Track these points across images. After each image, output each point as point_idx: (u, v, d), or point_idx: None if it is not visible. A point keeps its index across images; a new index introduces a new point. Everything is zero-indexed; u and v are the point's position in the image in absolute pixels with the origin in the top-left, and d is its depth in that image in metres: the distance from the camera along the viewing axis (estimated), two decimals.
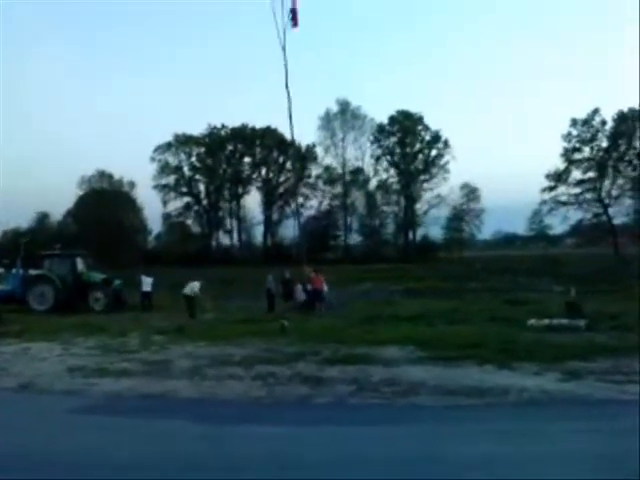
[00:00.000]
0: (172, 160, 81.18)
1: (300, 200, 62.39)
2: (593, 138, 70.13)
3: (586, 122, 69.84)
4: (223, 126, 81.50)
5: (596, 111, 69.35)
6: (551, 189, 69.57)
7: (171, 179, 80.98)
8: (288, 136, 71.64)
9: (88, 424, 8.50)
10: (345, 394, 9.78)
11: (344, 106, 78.61)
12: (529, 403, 9.03)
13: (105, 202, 72.34)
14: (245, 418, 8.78)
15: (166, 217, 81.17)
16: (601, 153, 70.07)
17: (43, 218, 76.20)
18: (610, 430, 7.55)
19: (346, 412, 9.00)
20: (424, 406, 9.11)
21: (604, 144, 70.13)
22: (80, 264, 28.73)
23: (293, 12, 21.74)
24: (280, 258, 54.98)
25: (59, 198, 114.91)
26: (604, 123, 69.80)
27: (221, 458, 6.86)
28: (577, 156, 70.31)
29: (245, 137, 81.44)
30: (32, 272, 27.54)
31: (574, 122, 69.90)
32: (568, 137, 70.02)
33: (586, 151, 70.17)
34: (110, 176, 79.37)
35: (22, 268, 27.71)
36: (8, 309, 24.44)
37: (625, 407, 8.63)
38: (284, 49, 22.79)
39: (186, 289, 23.89)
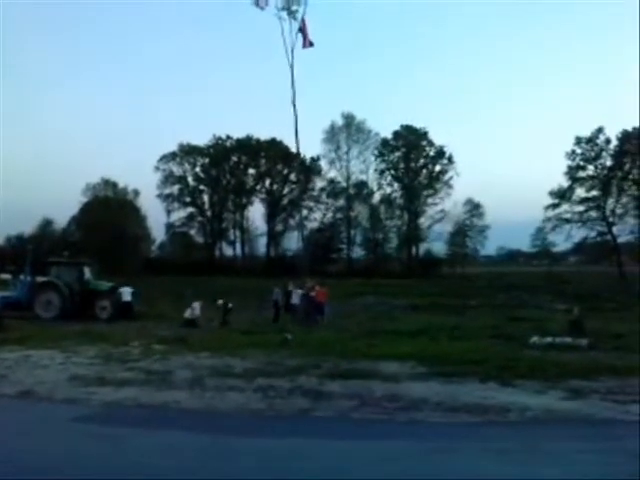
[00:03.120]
0: (176, 170, 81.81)
1: (304, 212, 62.38)
2: (597, 156, 70.24)
3: (590, 140, 69.97)
4: (228, 137, 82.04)
5: (600, 130, 69.57)
6: (555, 206, 69.61)
7: (175, 189, 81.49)
8: (293, 148, 72.17)
9: (88, 433, 8.45)
10: (347, 408, 9.72)
11: (349, 120, 79.09)
12: (531, 421, 8.97)
13: (109, 210, 72.65)
14: (245, 430, 8.74)
15: (169, 227, 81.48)
16: (605, 171, 70.17)
17: (47, 225, 76.49)
18: (614, 451, 7.48)
19: (348, 426, 8.94)
20: (426, 422, 9.06)
21: (608, 162, 70.28)
22: (87, 272, 28.78)
23: (302, 32, 21.92)
24: (283, 270, 54.96)
25: (63, 205, 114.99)
26: (608, 142, 70.01)
27: (220, 470, 6.81)
28: (581, 174, 70.43)
29: (250, 148, 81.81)
30: (39, 279, 27.52)
31: (578, 140, 70.06)
32: (572, 155, 70.23)
33: (590, 169, 70.34)
34: (114, 184, 79.81)
35: (30, 275, 27.69)
36: (14, 316, 24.43)
37: (629, 427, 8.56)
38: (292, 67, 22.99)
39: (187, 313, 24.10)
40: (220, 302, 24.73)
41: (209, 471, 6.76)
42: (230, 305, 24.62)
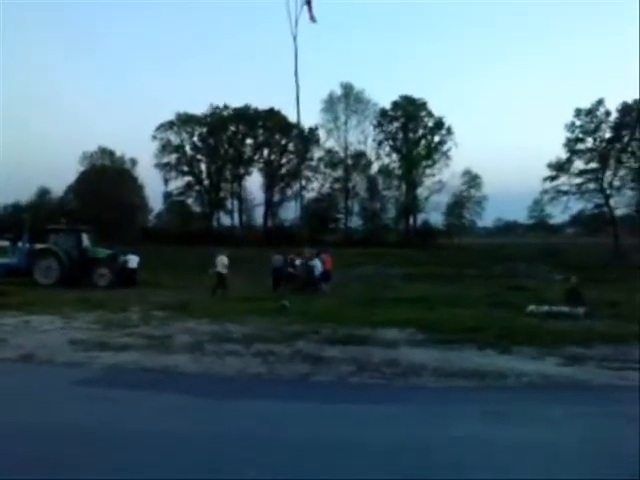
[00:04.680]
0: (174, 139, 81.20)
1: (301, 182, 62.06)
2: (596, 129, 69.71)
3: (590, 112, 69.40)
4: (226, 106, 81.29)
5: (600, 102, 68.94)
6: (553, 178, 69.23)
7: (172, 158, 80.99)
8: (291, 118, 71.78)
9: (89, 395, 8.51)
10: (345, 373, 9.81)
11: (348, 90, 78.41)
12: (528, 387, 9.08)
13: (106, 179, 72.35)
14: (245, 393, 8.82)
15: (167, 196, 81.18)
16: (604, 144, 69.72)
17: (44, 193, 76.21)
18: (611, 415, 7.59)
19: (346, 391, 9.03)
20: (424, 387, 9.16)
21: (607, 135, 69.83)
22: (86, 239, 28.79)
23: (309, 4, 21.56)
24: (281, 239, 54.99)
25: (60, 174, 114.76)
26: (608, 114, 69.40)
27: (221, 432, 6.89)
28: (580, 146, 69.92)
29: (248, 118, 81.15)
30: (38, 246, 27.54)
31: (578, 112, 69.49)
32: (571, 127, 69.62)
33: (589, 141, 69.80)
34: (111, 153, 79.35)
35: (28, 242, 27.69)
36: (13, 282, 24.54)
37: (625, 393, 8.69)
38: (295, 38, 22.70)
39: (218, 267, 23.54)
40: (222, 261, 24.13)
41: (210, 432, 6.82)
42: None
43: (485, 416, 7.50)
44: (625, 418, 7.21)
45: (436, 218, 78.94)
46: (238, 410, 7.91)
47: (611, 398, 8.54)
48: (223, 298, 21.28)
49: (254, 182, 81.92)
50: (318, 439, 6.61)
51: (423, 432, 6.95)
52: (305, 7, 22.46)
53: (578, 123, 69.62)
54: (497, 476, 5.47)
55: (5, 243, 28.84)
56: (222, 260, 23.70)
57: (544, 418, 7.45)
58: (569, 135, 69.57)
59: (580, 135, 69.62)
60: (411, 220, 79.97)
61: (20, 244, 27.67)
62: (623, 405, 7.96)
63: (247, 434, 6.75)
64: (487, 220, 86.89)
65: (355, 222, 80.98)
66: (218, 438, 6.60)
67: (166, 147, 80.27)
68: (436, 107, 79.29)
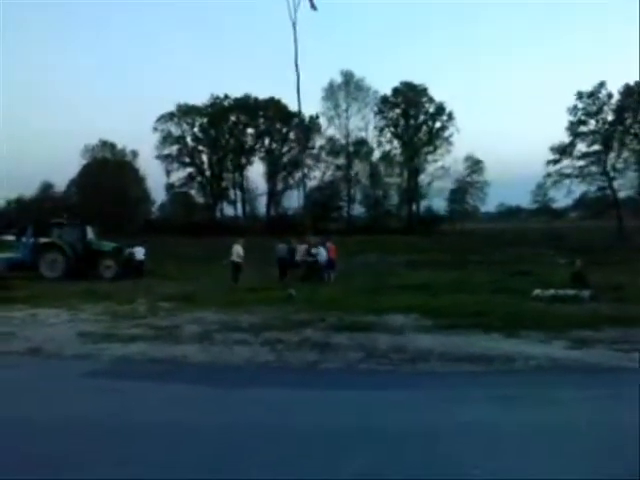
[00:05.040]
0: (175, 130, 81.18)
1: (304, 171, 61.91)
2: (599, 111, 69.41)
3: (592, 95, 69.07)
4: (226, 96, 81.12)
5: (602, 84, 68.62)
6: (556, 162, 69.02)
7: (174, 149, 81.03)
8: (291, 107, 71.60)
9: (99, 387, 8.54)
10: (354, 360, 9.84)
11: (348, 77, 78.25)
12: (536, 370, 9.10)
13: (108, 172, 72.36)
14: (254, 382, 8.87)
15: (169, 187, 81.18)
16: (606, 126, 69.44)
17: (47, 188, 76.28)
18: (620, 397, 7.59)
19: (356, 377, 9.08)
20: (432, 372, 9.19)
21: (610, 117, 69.55)
22: (90, 233, 28.87)
23: None
24: (284, 228, 54.95)
25: (62, 168, 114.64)
26: (610, 96, 69.10)
27: (230, 421, 6.91)
28: (582, 129, 69.65)
29: (248, 107, 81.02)
30: (42, 240, 27.60)
31: (580, 95, 69.17)
32: (574, 110, 69.32)
33: (592, 124, 69.52)
34: (113, 145, 79.29)
35: (33, 236, 27.76)
36: (19, 276, 24.62)
37: (635, 375, 8.71)
38: (295, 26, 22.58)
39: (234, 256, 23.81)
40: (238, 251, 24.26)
41: (219, 422, 6.86)
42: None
43: (494, 400, 7.52)
44: (635, 400, 7.20)
45: (439, 204, 79.10)
46: (247, 399, 7.94)
47: (620, 380, 8.56)
48: (230, 288, 21.30)
49: (256, 172, 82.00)
50: (327, 426, 6.64)
51: (432, 417, 6.98)
52: None
53: (580, 106, 69.36)
54: (505, 461, 5.49)
55: (10, 237, 28.89)
56: (237, 249, 24.00)
57: (553, 401, 7.46)
58: (571, 118, 69.37)
59: (582, 118, 69.35)
60: (414, 207, 79.97)
61: (24, 239, 27.72)
62: (632, 387, 7.96)
63: (256, 422, 6.77)
64: (490, 205, 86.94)
65: (358, 210, 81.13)
66: (227, 427, 6.62)
67: (167, 138, 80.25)
68: (437, 93, 79.10)
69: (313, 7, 21.83)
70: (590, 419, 6.75)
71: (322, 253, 24.50)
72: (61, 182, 76.44)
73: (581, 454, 5.71)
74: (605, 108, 69.26)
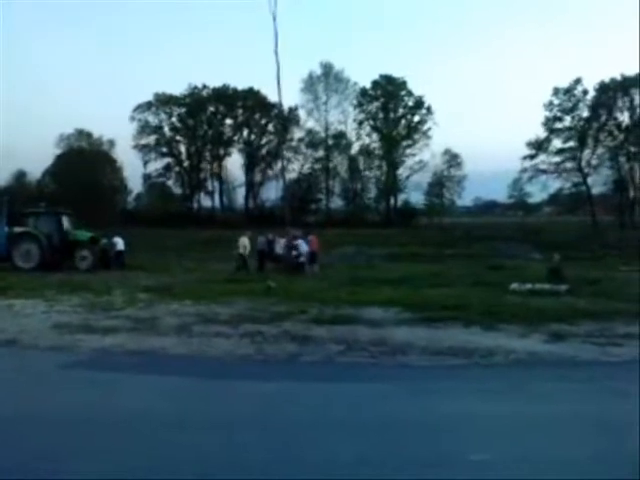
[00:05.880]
0: (152, 120, 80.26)
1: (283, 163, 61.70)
2: (574, 107, 70.24)
3: (568, 91, 69.86)
4: (204, 86, 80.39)
5: (578, 80, 69.42)
6: (532, 157, 69.80)
7: (151, 139, 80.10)
8: (270, 98, 71.19)
9: (77, 379, 8.45)
10: (334, 353, 9.83)
11: (327, 69, 77.99)
12: (516, 363, 9.18)
13: (84, 161, 71.37)
14: (235, 374, 8.85)
15: (146, 178, 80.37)
16: (582, 123, 70.30)
17: (21, 177, 75.07)
18: (600, 390, 7.70)
19: (335, 370, 9.07)
20: (412, 365, 9.20)
21: (585, 114, 70.40)
22: (66, 222, 28.45)
23: None
24: (262, 220, 54.81)
25: (37, 157, 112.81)
26: (585, 93, 69.96)
27: (212, 414, 6.89)
28: (558, 125, 70.49)
29: (227, 98, 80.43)
30: (17, 229, 27.14)
31: (556, 91, 69.93)
32: (550, 106, 70.11)
33: (567, 120, 70.37)
34: (89, 135, 78.18)
35: (6, 225, 27.27)
36: None
37: (611, 368, 8.85)
38: (275, 17, 22.42)
39: (240, 248, 25.05)
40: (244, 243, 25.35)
41: (200, 414, 6.81)
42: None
43: (475, 393, 7.58)
44: (613, 393, 7.32)
45: (417, 198, 79.32)
46: (228, 391, 7.90)
47: (599, 373, 8.67)
48: (207, 279, 21.21)
49: (235, 163, 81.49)
50: (310, 418, 6.64)
51: (413, 410, 6.99)
52: None
53: (556, 102, 70.17)
54: (491, 452, 5.51)
55: None
56: (243, 242, 25.31)
57: (534, 394, 7.53)
58: (547, 114, 70.12)
59: (558, 114, 70.13)
60: (392, 200, 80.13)
61: None
62: (610, 381, 8.08)
63: (238, 415, 6.74)
64: (467, 199, 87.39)
65: (336, 202, 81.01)
66: (209, 420, 6.58)
67: (145, 128, 79.36)
68: (416, 86, 79.22)
69: None
70: (574, 412, 6.79)
71: (303, 245, 24.54)
72: (36, 171, 75.36)
73: (566, 447, 5.73)
74: (580, 105, 70.13)
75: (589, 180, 69.50)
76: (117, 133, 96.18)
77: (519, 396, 7.48)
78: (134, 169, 78.94)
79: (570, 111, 70.06)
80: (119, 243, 28.29)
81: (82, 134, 77.86)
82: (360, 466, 5.15)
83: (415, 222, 74.70)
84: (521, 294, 16.20)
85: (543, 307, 13.74)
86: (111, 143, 78.70)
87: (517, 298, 15.39)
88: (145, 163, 79.47)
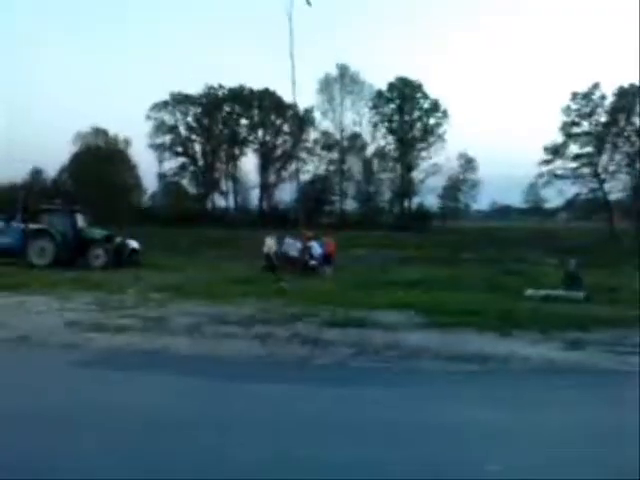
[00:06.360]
0: (168, 119, 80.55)
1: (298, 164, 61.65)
2: (592, 112, 69.64)
3: (586, 96, 69.26)
4: (220, 86, 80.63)
5: (596, 85, 68.81)
6: (548, 162, 69.26)
7: (167, 138, 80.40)
8: (286, 99, 71.23)
9: (88, 377, 8.43)
10: (346, 356, 9.73)
11: (343, 71, 78.02)
12: (532, 371, 9.01)
13: (100, 159, 71.76)
14: (246, 376, 8.73)
15: (161, 177, 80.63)
16: (600, 128, 69.67)
17: (37, 174, 75.54)
18: (616, 401, 7.54)
19: (347, 373, 8.94)
20: (426, 370, 9.08)
21: (603, 119, 69.76)
22: (80, 220, 28.54)
23: None
24: (276, 221, 54.77)
25: (53, 154, 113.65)
26: (604, 98, 69.33)
27: (223, 415, 6.81)
28: (576, 130, 69.88)
29: (242, 98, 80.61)
30: (32, 226, 27.25)
31: (574, 96, 69.33)
32: (567, 111, 69.55)
33: (585, 125, 69.77)
34: (105, 133, 78.58)
35: (22, 222, 27.41)
36: (6, 262, 24.33)
37: (630, 377, 8.63)
38: (290, 18, 22.35)
39: (266, 248, 25.58)
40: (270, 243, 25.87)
41: (211, 415, 6.75)
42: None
43: (489, 401, 7.43)
44: (632, 403, 7.13)
45: (431, 201, 79.12)
46: (238, 393, 7.81)
47: (617, 383, 8.49)
48: (221, 279, 21.14)
49: (249, 163, 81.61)
50: (320, 421, 6.55)
51: (425, 416, 6.88)
52: None
53: (574, 107, 69.55)
54: (504, 461, 5.38)
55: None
56: (270, 243, 25.85)
57: (551, 402, 7.38)
58: (565, 119, 69.52)
59: (576, 119, 69.55)
60: (406, 203, 79.88)
61: (14, 224, 27.36)
62: (629, 390, 7.89)
63: (248, 417, 6.67)
64: (482, 203, 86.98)
65: (350, 204, 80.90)
66: (219, 421, 6.52)
67: (160, 127, 79.71)
68: (432, 89, 79.04)
69: (308, 2, 21.61)
70: (589, 421, 6.65)
71: (316, 248, 24.48)
72: (52, 168, 75.82)
73: (580, 455, 5.60)
74: (599, 110, 69.51)
75: (606, 186, 68.85)
76: (133, 132, 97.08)
77: (535, 404, 7.32)
78: (149, 168, 79.40)
79: (588, 116, 69.48)
80: (133, 242, 28.37)
81: (98, 132, 78.31)
82: (370, 470, 5.08)
83: (429, 225, 74.38)
84: (536, 300, 15.96)
85: (560, 314, 13.47)
86: (127, 142, 79.15)
87: (533, 304, 15.16)
88: (160, 162, 79.90)
